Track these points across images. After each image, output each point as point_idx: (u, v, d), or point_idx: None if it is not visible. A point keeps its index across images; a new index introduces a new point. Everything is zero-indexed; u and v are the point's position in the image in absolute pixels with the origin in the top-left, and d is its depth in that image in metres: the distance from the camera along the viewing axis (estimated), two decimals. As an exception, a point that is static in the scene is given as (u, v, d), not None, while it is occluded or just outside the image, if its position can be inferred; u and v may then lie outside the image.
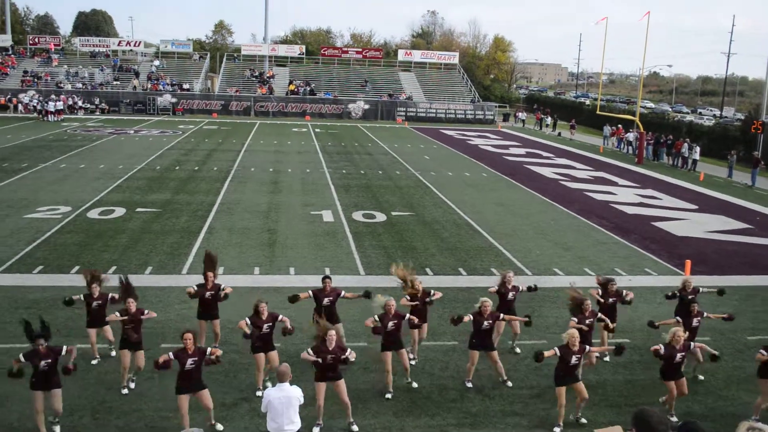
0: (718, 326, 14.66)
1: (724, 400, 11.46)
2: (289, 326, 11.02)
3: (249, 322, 10.76)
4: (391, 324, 11.05)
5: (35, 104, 53.85)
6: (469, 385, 11.54)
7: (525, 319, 12.05)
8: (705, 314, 12.35)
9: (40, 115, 51.50)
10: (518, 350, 12.97)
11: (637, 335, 13.85)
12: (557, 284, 17.00)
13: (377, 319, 11.11)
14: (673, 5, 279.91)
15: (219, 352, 10.13)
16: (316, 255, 18.65)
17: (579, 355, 10.23)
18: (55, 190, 25.77)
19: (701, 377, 12.15)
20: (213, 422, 9.76)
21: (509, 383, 11.60)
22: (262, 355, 10.85)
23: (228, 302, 12.51)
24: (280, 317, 11.01)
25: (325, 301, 11.97)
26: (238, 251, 18.70)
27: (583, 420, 10.39)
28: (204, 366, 9.68)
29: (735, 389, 11.87)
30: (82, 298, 11.78)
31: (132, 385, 10.90)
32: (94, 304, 11.66)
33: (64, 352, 9.61)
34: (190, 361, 9.45)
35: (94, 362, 11.77)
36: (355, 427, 9.94)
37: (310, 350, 9.90)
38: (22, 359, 9.39)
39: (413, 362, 12.26)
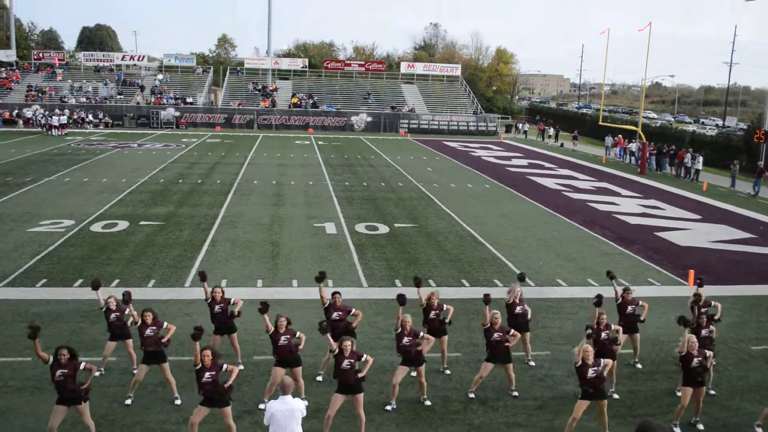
0: (722, 336, 14.58)
1: (728, 411, 11.40)
2: (300, 345, 10.91)
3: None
4: (406, 340, 11.04)
5: (39, 118, 54.08)
6: (472, 396, 11.52)
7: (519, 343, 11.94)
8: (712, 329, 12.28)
9: (44, 129, 51.75)
10: (532, 363, 12.89)
11: (641, 346, 13.78)
12: (560, 295, 17.00)
13: (395, 335, 11.21)
14: (674, 16, 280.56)
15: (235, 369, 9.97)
16: (319, 267, 18.53)
17: (595, 368, 10.01)
18: (58, 203, 25.85)
19: (713, 392, 12.04)
20: None
21: (515, 393, 11.57)
22: (280, 370, 10.77)
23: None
24: (298, 334, 10.97)
25: (334, 315, 11.93)
26: (241, 264, 18.73)
27: None
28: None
29: (738, 399, 11.81)
30: (104, 307, 11.74)
31: (178, 401, 10.84)
32: (112, 316, 11.61)
33: (82, 368, 9.58)
34: (207, 374, 9.46)
35: (97, 374, 11.75)
36: None
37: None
38: (51, 360, 9.42)
39: (447, 371, 12.51)
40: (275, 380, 10.70)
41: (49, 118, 52.00)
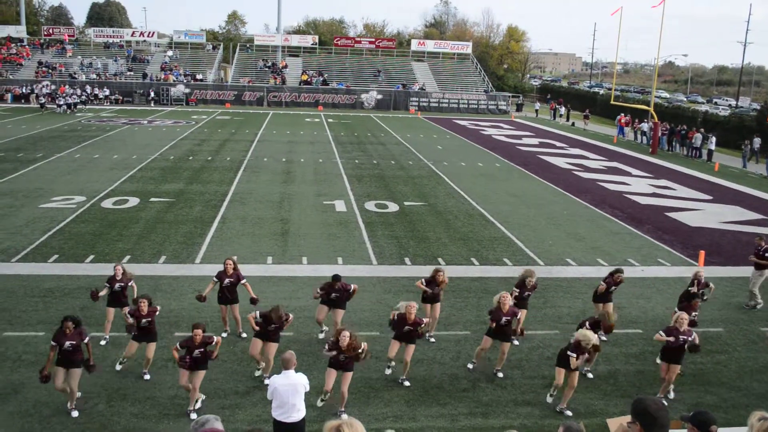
0: (731, 316, 14.66)
1: (737, 391, 11.41)
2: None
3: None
4: (407, 328, 11.00)
5: (44, 95, 53.45)
6: (470, 366, 11.58)
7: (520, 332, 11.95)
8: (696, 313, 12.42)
9: (42, 108, 50.66)
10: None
11: (649, 325, 13.81)
12: (570, 275, 17.00)
13: (393, 319, 11.14)
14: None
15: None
16: (328, 244, 18.70)
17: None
18: (69, 180, 25.94)
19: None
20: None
21: (500, 374, 11.59)
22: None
23: (240, 291, 12.60)
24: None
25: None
26: (251, 241, 18.78)
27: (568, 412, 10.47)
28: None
29: (748, 380, 11.81)
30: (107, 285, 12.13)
31: (147, 377, 10.99)
32: (117, 286, 12.06)
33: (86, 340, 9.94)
34: (196, 351, 9.93)
35: (102, 342, 12.00)
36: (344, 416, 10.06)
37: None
38: (53, 343, 9.71)
39: (432, 339, 12.75)
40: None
41: (57, 97, 51.68)
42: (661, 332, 10.76)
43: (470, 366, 11.65)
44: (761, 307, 15.29)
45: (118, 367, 11.16)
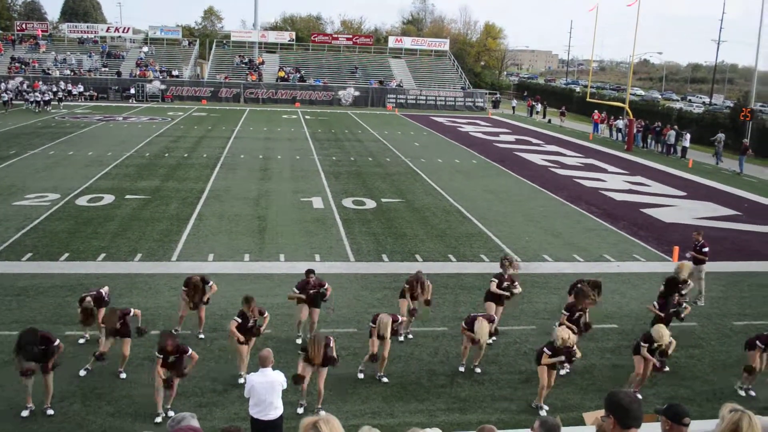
0: (704, 311, 14.85)
1: (710, 384, 11.56)
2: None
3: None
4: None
5: (10, 91, 52.35)
6: (461, 369, 11.60)
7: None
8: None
9: (5, 107, 49.43)
10: (478, 370, 11.82)
11: (624, 320, 13.98)
12: (546, 270, 17.12)
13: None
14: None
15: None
16: (306, 242, 18.66)
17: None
18: (43, 177, 25.63)
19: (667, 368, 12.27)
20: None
21: (478, 370, 11.62)
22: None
23: (217, 290, 12.55)
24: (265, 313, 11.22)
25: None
26: (228, 238, 18.69)
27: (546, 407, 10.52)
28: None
29: (721, 373, 11.97)
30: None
31: (123, 376, 10.86)
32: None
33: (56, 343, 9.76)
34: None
35: (81, 341, 11.87)
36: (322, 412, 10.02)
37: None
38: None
39: (410, 336, 12.79)
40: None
41: (27, 94, 50.84)
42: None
43: (461, 369, 11.59)
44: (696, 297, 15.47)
45: (82, 373, 10.87)
